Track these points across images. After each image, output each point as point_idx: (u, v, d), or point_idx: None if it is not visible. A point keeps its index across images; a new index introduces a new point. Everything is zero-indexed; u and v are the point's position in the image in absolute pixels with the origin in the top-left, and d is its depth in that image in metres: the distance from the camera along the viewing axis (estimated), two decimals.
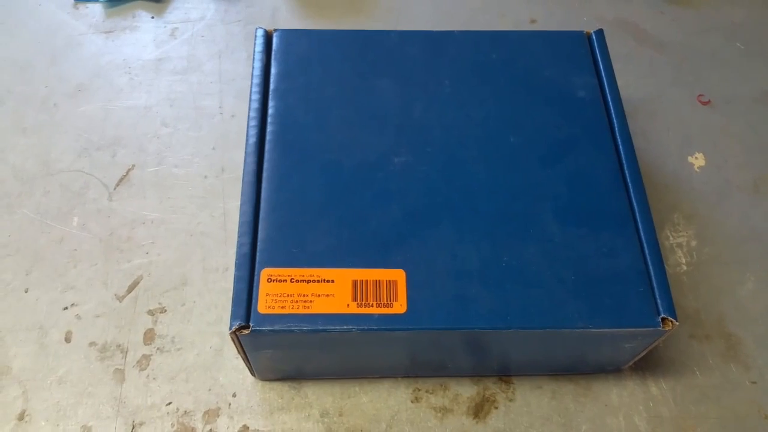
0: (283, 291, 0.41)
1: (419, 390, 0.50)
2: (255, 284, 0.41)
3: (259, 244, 0.43)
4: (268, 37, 0.52)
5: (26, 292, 0.52)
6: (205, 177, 0.59)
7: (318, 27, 0.70)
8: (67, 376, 0.49)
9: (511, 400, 0.49)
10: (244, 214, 0.44)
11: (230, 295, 0.41)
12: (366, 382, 0.50)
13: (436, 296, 0.42)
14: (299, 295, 0.41)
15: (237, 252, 0.42)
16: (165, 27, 0.69)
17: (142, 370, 0.49)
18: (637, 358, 0.48)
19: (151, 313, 0.52)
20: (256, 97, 0.49)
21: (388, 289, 0.41)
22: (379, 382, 0.50)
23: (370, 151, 0.47)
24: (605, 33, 0.54)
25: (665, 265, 0.45)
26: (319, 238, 0.43)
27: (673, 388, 0.50)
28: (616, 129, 0.49)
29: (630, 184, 0.46)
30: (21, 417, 0.47)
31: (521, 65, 0.52)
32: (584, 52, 0.53)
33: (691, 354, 0.52)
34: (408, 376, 0.50)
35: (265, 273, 0.42)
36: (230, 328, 0.40)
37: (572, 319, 0.41)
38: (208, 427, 0.48)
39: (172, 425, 0.47)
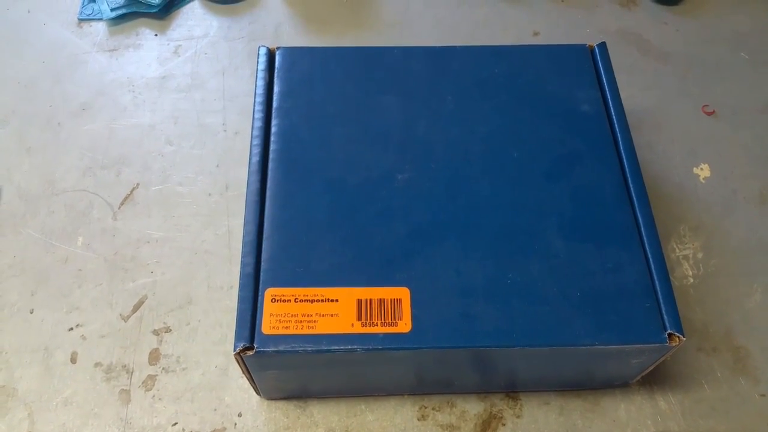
0: (287, 311, 0.41)
1: (425, 407, 0.49)
2: (259, 304, 0.41)
3: (262, 263, 0.43)
4: (270, 55, 0.52)
5: (31, 312, 0.52)
6: (209, 195, 0.59)
7: (321, 42, 0.70)
8: (72, 398, 0.49)
9: (518, 417, 0.49)
10: (248, 234, 0.44)
11: (235, 314, 0.41)
12: (372, 400, 0.49)
13: (441, 314, 0.41)
14: (303, 315, 0.41)
15: (241, 272, 0.42)
16: (168, 44, 0.70)
17: (147, 390, 0.49)
18: (644, 373, 0.48)
19: (156, 332, 0.52)
20: (259, 115, 0.49)
21: (393, 307, 0.41)
22: (385, 400, 0.49)
23: (374, 169, 0.47)
24: (609, 44, 0.54)
25: (671, 278, 0.44)
26: (323, 256, 0.43)
27: (681, 402, 0.50)
28: (620, 143, 0.48)
29: (635, 199, 0.46)
30: None
31: (524, 80, 0.52)
32: (587, 66, 0.53)
33: (699, 367, 0.51)
34: (414, 394, 0.50)
35: (269, 293, 0.42)
36: (234, 350, 0.40)
37: (578, 335, 0.41)
38: None
39: None
